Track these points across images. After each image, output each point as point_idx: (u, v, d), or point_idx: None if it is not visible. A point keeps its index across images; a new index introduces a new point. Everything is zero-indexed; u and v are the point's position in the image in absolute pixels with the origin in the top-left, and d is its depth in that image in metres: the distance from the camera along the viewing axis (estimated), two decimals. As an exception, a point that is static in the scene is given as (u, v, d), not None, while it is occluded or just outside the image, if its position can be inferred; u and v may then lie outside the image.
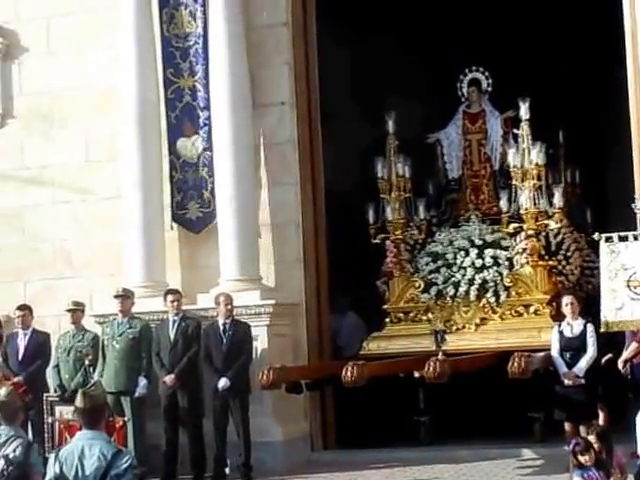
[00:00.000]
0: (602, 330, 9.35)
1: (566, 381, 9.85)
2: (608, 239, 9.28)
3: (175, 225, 11.36)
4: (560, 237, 12.09)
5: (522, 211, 11.57)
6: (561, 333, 10.04)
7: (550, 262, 11.81)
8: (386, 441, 10.99)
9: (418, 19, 13.90)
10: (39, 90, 11.91)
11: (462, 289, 11.57)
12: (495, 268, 11.54)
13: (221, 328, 10.43)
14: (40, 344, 10.98)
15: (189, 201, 11.28)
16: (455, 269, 11.66)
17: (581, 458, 7.20)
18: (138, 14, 11.29)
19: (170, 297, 10.64)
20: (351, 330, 12.68)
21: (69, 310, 10.93)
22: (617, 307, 9.15)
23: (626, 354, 9.90)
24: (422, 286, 11.76)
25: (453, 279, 11.64)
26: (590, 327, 9.91)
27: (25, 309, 11.10)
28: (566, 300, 10.18)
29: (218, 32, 11.07)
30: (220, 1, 11.08)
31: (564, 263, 12.06)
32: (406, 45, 14.03)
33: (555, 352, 10.00)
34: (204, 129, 11.21)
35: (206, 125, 11.19)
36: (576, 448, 7.25)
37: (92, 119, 11.67)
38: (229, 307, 10.44)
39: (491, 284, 11.51)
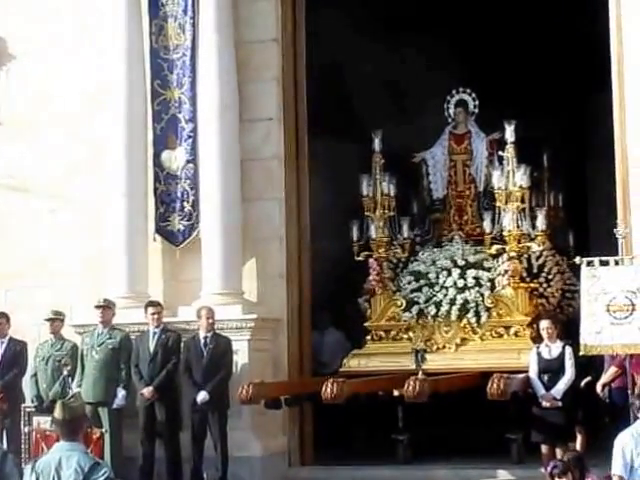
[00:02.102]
0: (581, 353, 9.40)
1: (543, 403, 9.89)
2: (589, 263, 9.34)
3: (158, 237, 11.35)
4: (542, 260, 12.15)
5: (505, 233, 11.63)
6: (539, 355, 10.09)
7: (531, 284, 11.86)
8: (364, 459, 10.98)
9: (407, 39, 13.98)
10: (24, 97, 11.90)
11: (443, 309, 11.60)
12: (477, 289, 11.58)
13: (202, 341, 10.42)
14: (16, 353, 10.92)
15: (171, 213, 11.28)
16: (437, 289, 11.70)
17: None
18: (128, 25, 11.31)
19: (151, 309, 10.62)
20: (332, 346, 12.70)
21: (48, 319, 10.89)
22: (596, 331, 9.20)
23: (604, 378, 9.95)
24: (404, 305, 11.78)
25: (435, 298, 11.67)
26: (568, 350, 9.96)
27: (1, 317, 11.05)
28: (543, 325, 10.24)
29: (207, 46, 11.09)
30: (210, 15, 11.10)
31: (545, 286, 12.11)
32: (395, 65, 14.10)
33: (533, 374, 10.04)
34: (188, 141, 11.21)
35: (190, 137, 11.20)
36: (554, 471, 7.27)
37: (77, 127, 11.66)
38: (210, 320, 10.44)
39: (472, 305, 11.55)
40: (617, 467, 7.23)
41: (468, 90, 12.68)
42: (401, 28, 13.88)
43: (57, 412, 5.78)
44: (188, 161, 11.21)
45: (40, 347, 10.92)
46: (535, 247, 11.73)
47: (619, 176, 10.34)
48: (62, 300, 11.29)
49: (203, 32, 11.13)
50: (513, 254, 11.55)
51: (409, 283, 11.86)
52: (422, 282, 11.79)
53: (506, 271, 11.53)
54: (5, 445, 10.05)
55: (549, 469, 7.36)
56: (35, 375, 10.83)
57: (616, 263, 9.33)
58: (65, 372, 10.50)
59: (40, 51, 11.93)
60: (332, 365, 12.13)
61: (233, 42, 11.18)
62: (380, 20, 13.83)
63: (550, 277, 12.17)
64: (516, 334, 11.46)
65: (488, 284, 11.61)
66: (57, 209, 11.69)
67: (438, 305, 11.63)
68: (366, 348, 11.86)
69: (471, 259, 11.80)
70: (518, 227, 11.57)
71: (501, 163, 11.84)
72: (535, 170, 12.36)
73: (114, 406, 10.42)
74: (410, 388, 9.66)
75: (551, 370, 10.02)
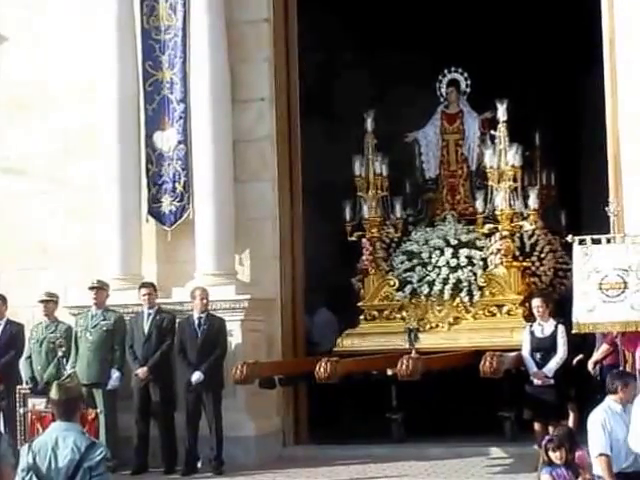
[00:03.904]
0: (574, 331, 9.45)
1: (535, 381, 9.95)
2: (581, 242, 9.37)
3: (151, 218, 11.35)
4: (534, 238, 12.19)
5: (497, 212, 11.66)
6: (532, 333, 10.13)
7: (524, 263, 11.90)
8: (358, 437, 11.05)
9: (399, 18, 13.97)
10: (19, 80, 11.87)
11: (436, 288, 11.64)
12: (469, 268, 11.62)
13: (196, 322, 10.46)
14: (14, 335, 10.95)
15: (163, 194, 11.28)
16: (430, 268, 11.73)
17: (552, 455, 7.26)
18: (119, 6, 11.28)
19: (143, 290, 10.65)
20: (323, 326, 12.74)
21: (42, 301, 10.90)
22: (589, 309, 9.25)
23: (596, 355, 10.01)
24: (397, 284, 11.82)
25: (428, 278, 11.70)
26: (561, 328, 10.01)
27: (-2, 299, 11.07)
28: (534, 303, 10.28)
29: (199, 26, 11.07)
30: (201, -5, 11.09)
31: (538, 264, 12.15)
32: (386, 44, 14.09)
33: (526, 352, 10.09)
34: (179, 122, 11.20)
35: (181, 118, 11.19)
36: (548, 445, 7.31)
37: (72, 110, 11.65)
38: (204, 301, 10.47)
39: (465, 284, 11.59)
40: (600, 446, 7.20)
41: (460, 69, 12.66)
42: (393, 8, 13.87)
43: (53, 392, 5.81)
44: (179, 142, 11.21)
45: (34, 329, 10.94)
46: (527, 226, 11.77)
47: (611, 154, 10.37)
48: (56, 282, 11.30)
49: (194, 12, 11.11)
50: (505, 233, 11.58)
51: (402, 263, 11.90)
52: (415, 262, 11.83)
53: (498, 250, 11.57)
54: (2, 426, 10.10)
55: (544, 443, 7.41)
56: (30, 357, 10.85)
57: (608, 241, 9.36)
58: (59, 354, 10.52)
59: (32, 34, 11.90)
60: (324, 345, 12.17)
61: (225, 22, 11.16)
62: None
63: (542, 256, 12.21)
64: (509, 313, 11.51)
65: (481, 263, 11.65)
66: (51, 191, 11.68)
67: (431, 284, 11.67)
68: (359, 328, 11.89)
69: (464, 238, 11.84)
70: (510, 206, 11.59)
71: (493, 142, 11.85)
72: (527, 149, 12.38)
73: (108, 387, 10.47)
74: (403, 367, 9.71)
75: (543, 348, 10.06)
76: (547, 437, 7.49)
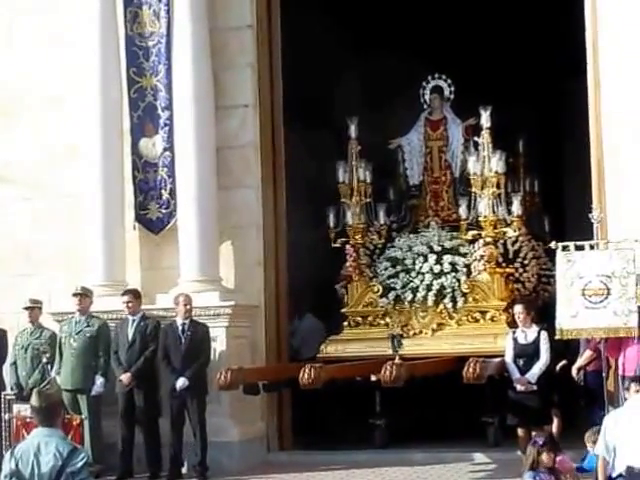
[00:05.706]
0: (557, 337, 9.50)
1: (518, 387, 9.98)
2: (565, 248, 9.43)
3: (137, 225, 11.35)
4: (518, 245, 12.23)
5: (481, 218, 11.69)
6: (515, 340, 10.17)
7: (507, 269, 11.94)
8: (342, 443, 11.06)
9: (382, 25, 14.02)
10: (1, 85, 11.86)
11: (420, 294, 11.66)
12: (453, 274, 11.64)
13: (180, 328, 10.46)
14: (-4, 341, 10.96)
15: (150, 201, 11.29)
16: (413, 274, 11.76)
17: (545, 456, 7.29)
18: (102, 12, 11.28)
19: (124, 298, 10.65)
20: (309, 333, 12.75)
21: (26, 308, 10.91)
22: (572, 315, 9.31)
23: (580, 361, 10.05)
24: (380, 291, 11.84)
25: (411, 284, 11.73)
26: (544, 334, 10.04)
27: (-19, 306, 11.06)
28: (516, 310, 10.32)
29: (182, 33, 11.09)
30: (184, 1, 11.09)
31: (521, 271, 12.20)
32: (370, 51, 14.13)
33: (508, 358, 10.12)
34: (165, 129, 11.22)
35: (167, 125, 11.20)
36: (542, 448, 7.33)
37: (54, 116, 11.64)
38: (188, 307, 10.47)
39: (449, 290, 11.61)
40: (598, 447, 7.39)
41: (444, 76, 12.70)
42: (376, 15, 13.91)
43: (33, 400, 5.85)
44: (165, 149, 11.22)
45: (19, 335, 10.95)
46: (511, 232, 11.81)
47: (594, 161, 10.42)
48: (40, 288, 11.29)
49: (178, 19, 11.13)
50: (489, 239, 11.62)
51: (386, 269, 11.92)
52: (399, 268, 11.85)
53: (482, 256, 11.60)
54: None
55: (537, 445, 7.41)
56: (14, 363, 10.85)
57: (591, 248, 9.43)
58: (44, 360, 10.54)
59: (14, 38, 11.88)
60: (310, 351, 12.18)
61: (208, 29, 11.18)
62: (354, 7, 13.84)
63: (526, 262, 12.25)
64: (492, 319, 11.54)
65: (464, 269, 11.67)
66: (34, 197, 11.67)
67: (415, 291, 11.69)
68: (343, 334, 11.91)
69: (447, 245, 11.87)
70: (494, 213, 11.63)
71: (477, 149, 11.89)
72: (511, 156, 12.42)
73: (93, 393, 10.46)
74: (387, 373, 9.72)
75: (526, 354, 10.09)
76: (540, 439, 7.50)
